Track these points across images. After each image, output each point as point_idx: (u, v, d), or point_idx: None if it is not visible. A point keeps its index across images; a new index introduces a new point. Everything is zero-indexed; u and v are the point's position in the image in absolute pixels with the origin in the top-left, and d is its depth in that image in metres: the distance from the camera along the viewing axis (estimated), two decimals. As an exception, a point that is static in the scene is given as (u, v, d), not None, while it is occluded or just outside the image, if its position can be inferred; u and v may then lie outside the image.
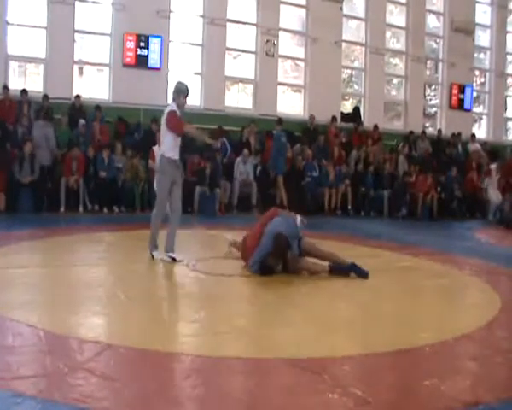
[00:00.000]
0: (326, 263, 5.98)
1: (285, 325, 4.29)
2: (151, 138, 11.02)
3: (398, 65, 16.79)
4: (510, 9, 18.24)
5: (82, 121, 11.70)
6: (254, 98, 14.43)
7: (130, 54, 12.70)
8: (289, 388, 3.09)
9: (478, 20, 17.43)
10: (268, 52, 14.25)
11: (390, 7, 16.34)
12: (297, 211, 6.85)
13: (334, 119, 14.38)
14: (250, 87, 14.61)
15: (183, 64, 13.53)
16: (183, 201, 6.75)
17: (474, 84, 17.65)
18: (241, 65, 14.54)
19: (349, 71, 16.36)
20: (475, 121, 17.96)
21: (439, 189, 13.67)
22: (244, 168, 12.28)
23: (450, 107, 16.81)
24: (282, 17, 14.52)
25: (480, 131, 17.75)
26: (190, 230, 8.67)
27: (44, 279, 5.58)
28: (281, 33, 14.55)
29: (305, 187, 12.59)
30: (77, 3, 12.39)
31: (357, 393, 3.01)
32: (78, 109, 11.96)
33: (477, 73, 17.97)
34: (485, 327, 4.45)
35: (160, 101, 11.68)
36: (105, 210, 10.90)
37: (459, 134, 15.98)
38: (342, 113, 15.37)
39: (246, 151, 12.29)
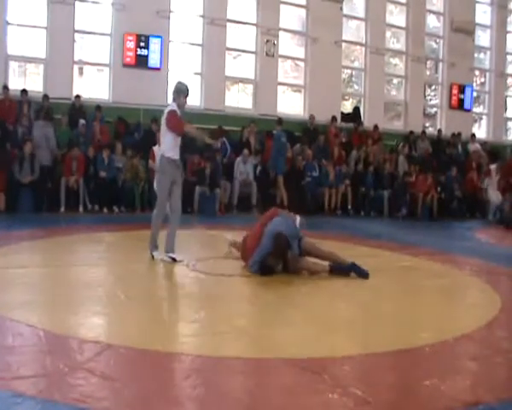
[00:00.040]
0: (326, 263, 5.98)
1: (285, 325, 4.28)
2: (151, 138, 11.03)
3: (398, 65, 16.78)
4: (510, 9, 18.23)
5: (82, 121, 11.70)
6: (254, 98, 14.42)
7: (131, 54, 12.70)
8: (289, 388, 3.09)
9: (478, 20, 17.42)
10: (268, 52, 14.24)
11: (390, 7, 16.33)
12: (297, 211, 6.86)
13: (334, 119, 14.36)
14: (250, 87, 14.60)
15: (183, 64, 13.52)
16: (183, 201, 6.75)
17: (474, 84, 17.64)
18: (241, 65, 14.54)
19: (349, 71, 16.35)
20: (475, 121, 17.95)
21: (439, 189, 13.66)
22: (244, 168, 12.28)
23: (450, 107, 16.80)
24: (282, 17, 14.52)
25: (480, 131, 17.74)
26: (190, 230, 8.67)
27: (44, 279, 5.58)
28: (281, 33, 14.55)
29: (305, 187, 12.59)
30: (77, 3, 12.40)
31: (357, 393, 3.01)
32: (78, 109, 11.96)
33: (477, 73, 17.97)
34: (486, 327, 4.45)
35: (160, 101, 11.68)
36: (105, 210, 10.91)
37: (459, 134, 15.97)
38: (342, 113, 15.36)
39: (246, 151, 12.29)
